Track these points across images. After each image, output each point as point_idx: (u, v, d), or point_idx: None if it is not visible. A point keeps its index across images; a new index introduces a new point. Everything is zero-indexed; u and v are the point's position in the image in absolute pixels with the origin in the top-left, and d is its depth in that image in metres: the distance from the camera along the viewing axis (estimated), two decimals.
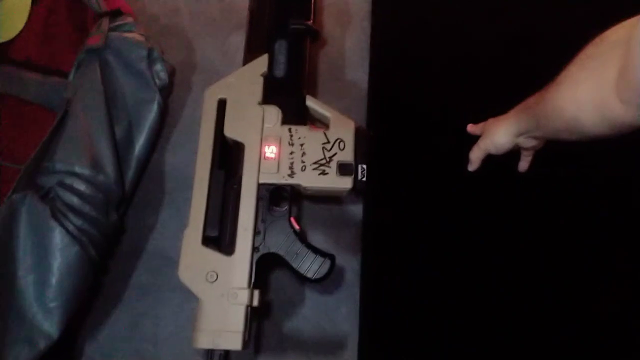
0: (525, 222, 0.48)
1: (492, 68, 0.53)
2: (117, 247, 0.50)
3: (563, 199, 0.49)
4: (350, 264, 0.48)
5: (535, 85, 0.49)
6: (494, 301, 0.46)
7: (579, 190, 0.49)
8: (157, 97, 0.53)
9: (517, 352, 0.45)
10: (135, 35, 0.54)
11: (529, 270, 0.46)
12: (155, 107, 0.53)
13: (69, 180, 0.45)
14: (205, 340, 0.42)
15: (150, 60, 0.53)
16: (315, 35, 0.53)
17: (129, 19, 0.55)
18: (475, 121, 0.48)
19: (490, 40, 0.54)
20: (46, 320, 0.43)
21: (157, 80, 0.53)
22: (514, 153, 0.47)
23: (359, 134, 0.47)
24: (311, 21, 0.52)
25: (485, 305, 0.45)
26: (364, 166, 0.46)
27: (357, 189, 0.46)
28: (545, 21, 0.55)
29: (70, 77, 0.51)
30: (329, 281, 0.45)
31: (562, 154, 0.47)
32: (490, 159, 0.47)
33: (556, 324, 0.45)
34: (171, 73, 0.55)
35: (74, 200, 0.45)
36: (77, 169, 0.46)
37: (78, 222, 0.44)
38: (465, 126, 0.48)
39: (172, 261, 0.49)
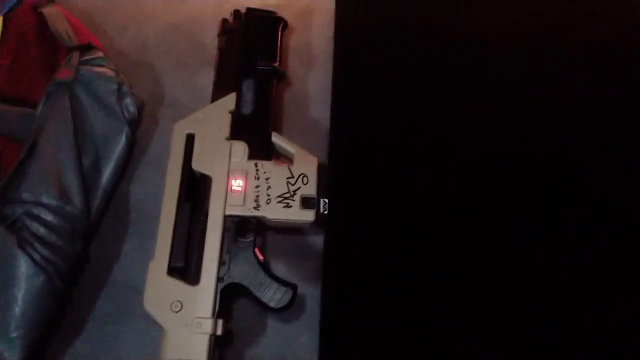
0: (494, 254, 0.50)
1: (449, 108, 0.56)
2: (81, 276, 0.50)
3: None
4: (311, 293, 0.50)
5: (502, 123, 0.55)
6: (458, 332, 0.48)
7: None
8: (126, 130, 0.54)
9: None
10: (105, 70, 0.55)
11: (498, 306, 0.49)
12: (123, 140, 0.54)
13: (36, 210, 0.46)
14: None
15: (120, 94, 0.55)
16: (281, 76, 0.56)
17: (99, 54, 0.57)
18: (433, 158, 0.52)
19: (448, 81, 0.58)
20: (7, 351, 0.42)
21: (126, 114, 0.55)
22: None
23: (321, 169, 0.50)
24: (277, 63, 0.55)
25: (446, 336, 0.47)
26: (326, 200, 0.49)
27: (319, 222, 0.48)
28: (518, 59, 0.59)
29: (39, 109, 0.52)
30: (291, 310, 0.47)
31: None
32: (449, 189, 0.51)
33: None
34: (140, 107, 0.56)
35: (41, 229, 0.46)
36: (45, 199, 0.47)
37: (44, 251, 0.45)
38: (423, 163, 0.52)
39: (135, 291, 0.50)
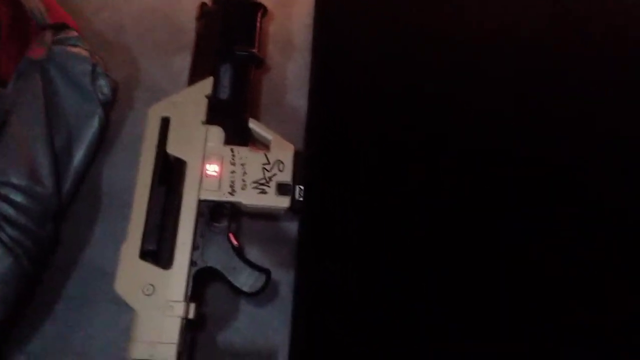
0: (483, 249, 0.51)
1: (429, 97, 0.57)
2: (51, 258, 0.50)
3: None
4: (284, 278, 0.51)
5: (478, 113, 0.55)
6: (423, 319, 0.48)
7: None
8: (99, 112, 0.53)
9: None
10: (79, 50, 0.54)
11: (464, 291, 0.49)
12: (96, 122, 0.53)
13: (4, 191, 0.45)
14: (140, 351, 0.42)
15: (94, 75, 0.54)
16: (259, 62, 0.56)
17: (74, 33, 0.56)
18: (410, 147, 0.53)
19: (429, 70, 0.58)
20: None
21: (100, 95, 0.54)
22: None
23: (297, 156, 0.50)
24: (256, 49, 0.55)
25: (414, 323, 0.48)
26: (301, 187, 0.49)
27: (294, 208, 0.49)
28: (492, 48, 0.60)
29: (9, 87, 0.51)
30: (264, 295, 0.47)
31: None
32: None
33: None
34: (114, 89, 0.56)
35: (10, 211, 0.45)
36: (14, 180, 0.46)
37: (13, 233, 0.44)
38: (399, 151, 0.53)
39: (106, 274, 0.49)
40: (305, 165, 0.50)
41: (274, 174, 0.49)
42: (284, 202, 0.48)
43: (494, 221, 0.52)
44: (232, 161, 0.49)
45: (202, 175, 0.48)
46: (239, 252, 0.47)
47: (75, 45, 0.55)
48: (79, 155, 0.52)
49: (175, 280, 0.45)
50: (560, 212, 0.52)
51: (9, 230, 0.44)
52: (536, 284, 0.50)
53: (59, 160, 0.50)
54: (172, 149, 0.49)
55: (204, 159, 0.49)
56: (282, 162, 0.49)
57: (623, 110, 0.58)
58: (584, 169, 0.55)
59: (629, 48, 0.61)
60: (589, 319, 0.49)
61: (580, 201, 0.53)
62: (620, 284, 0.51)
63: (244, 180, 0.48)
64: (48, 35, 0.54)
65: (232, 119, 0.51)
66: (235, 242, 0.47)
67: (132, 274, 0.45)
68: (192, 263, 0.46)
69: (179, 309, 0.44)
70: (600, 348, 0.48)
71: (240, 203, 0.48)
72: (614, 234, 0.52)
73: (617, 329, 0.49)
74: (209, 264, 0.46)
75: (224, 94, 0.52)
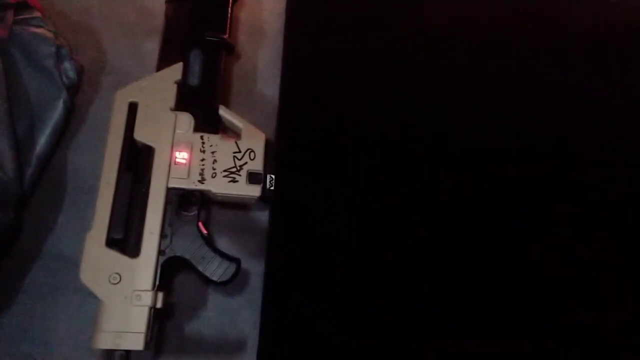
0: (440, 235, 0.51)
1: (403, 86, 0.57)
2: (13, 247, 0.48)
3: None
4: (254, 268, 0.50)
5: (452, 96, 0.55)
6: (394, 307, 0.49)
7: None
8: (64, 96, 0.51)
9: None
10: (43, 31, 0.52)
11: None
12: (60, 105, 0.51)
13: None
14: (106, 341, 0.42)
15: (59, 57, 0.52)
16: (230, 49, 0.55)
17: (37, 13, 0.53)
18: (382, 135, 0.53)
19: (403, 58, 0.58)
20: None
21: (64, 79, 0.52)
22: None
23: (268, 145, 0.50)
24: (227, 35, 0.54)
25: (381, 310, 0.49)
26: (272, 176, 0.49)
27: (265, 197, 0.48)
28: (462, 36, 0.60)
29: None
30: (233, 285, 0.47)
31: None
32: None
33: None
34: (80, 72, 0.54)
35: None
36: None
37: None
38: (371, 141, 0.53)
39: (70, 263, 0.48)
40: (276, 154, 0.50)
41: (245, 163, 0.49)
42: (254, 191, 0.48)
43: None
44: (202, 149, 0.48)
45: (171, 162, 0.47)
46: (209, 241, 0.47)
47: (38, 26, 0.53)
48: (42, 140, 0.50)
49: (143, 269, 0.44)
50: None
51: None
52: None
53: (21, 146, 0.48)
54: (140, 135, 0.48)
55: (173, 146, 0.48)
56: (253, 151, 0.49)
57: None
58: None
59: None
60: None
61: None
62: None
63: (214, 169, 0.48)
64: (9, 15, 0.52)
65: (202, 106, 0.50)
66: (204, 231, 0.47)
67: (98, 262, 0.44)
68: (160, 252, 0.45)
69: (147, 298, 0.43)
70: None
71: (210, 191, 0.47)
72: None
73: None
74: (177, 253, 0.45)
75: (194, 80, 0.51)
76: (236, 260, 0.46)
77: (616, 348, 0.50)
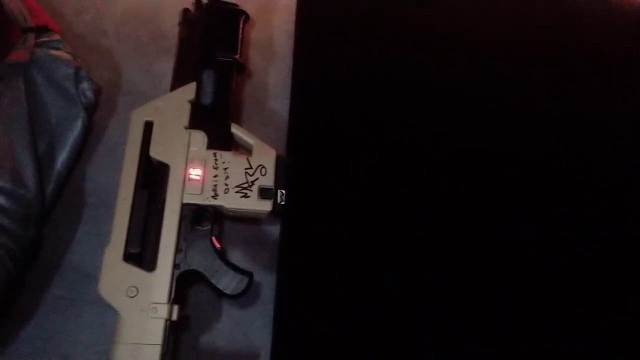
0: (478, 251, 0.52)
1: (411, 102, 0.59)
2: (34, 261, 0.50)
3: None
4: (266, 281, 0.52)
5: (473, 117, 0.57)
6: (407, 320, 0.49)
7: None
8: (82, 115, 0.54)
9: None
10: (62, 53, 0.55)
11: (449, 295, 0.50)
12: (79, 125, 0.53)
13: None
14: (123, 354, 0.43)
15: (77, 78, 0.54)
16: (241, 68, 0.57)
17: (56, 36, 0.56)
18: (391, 152, 0.54)
19: (411, 74, 0.60)
20: None
21: (82, 99, 0.54)
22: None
23: (279, 161, 0.51)
24: (238, 55, 0.56)
25: (392, 324, 0.49)
26: (283, 191, 0.50)
27: (276, 212, 0.50)
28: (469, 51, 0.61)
29: None
30: (246, 298, 0.48)
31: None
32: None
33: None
34: (97, 92, 0.56)
35: None
36: None
37: None
38: (380, 157, 0.54)
39: (88, 277, 0.50)
40: (286, 169, 0.51)
41: (256, 178, 0.50)
42: (266, 205, 0.49)
43: (493, 221, 0.53)
44: (215, 165, 0.50)
45: (185, 179, 0.49)
46: (222, 255, 0.48)
47: (57, 49, 0.55)
48: (61, 158, 0.52)
49: (159, 282, 0.45)
50: (560, 212, 0.54)
51: None
52: (536, 284, 0.51)
53: (42, 164, 0.50)
54: (155, 153, 0.50)
55: (187, 163, 0.49)
56: (264, 167, 0.51)
57: (623, 109, 0.60)
58: (584, 169, 0.56)
59: (630, 49, 0.64)
60: (589, 319, 0.50)
61: (580, 201, 0.55)
62: (620, 284, 0.52)
63: (226, 184, 0.49)
64: (30, 38, 0.54)
65: (215, 123, 0.52)
66: (217, 245, 0.48)
67: (115, 276, 0.45)
68: (175, 266, 0.46)
69: (163, 311, 0.44)
70: (600, 348, 0.50)
71: (222, 207, 0.49)
72: (615, 233, 0.54)
73: (617, 329, 0.50)
74: (192, 267, 0.47)
75: (207, 99, 0.53)
76: (248, 274, 0.47)
77: (616, 348, 0.50)
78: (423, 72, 0.60)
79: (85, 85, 0.54)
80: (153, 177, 0.50)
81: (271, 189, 0.50)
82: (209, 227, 0.48)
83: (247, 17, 0.59)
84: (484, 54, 0.62)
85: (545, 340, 0.49)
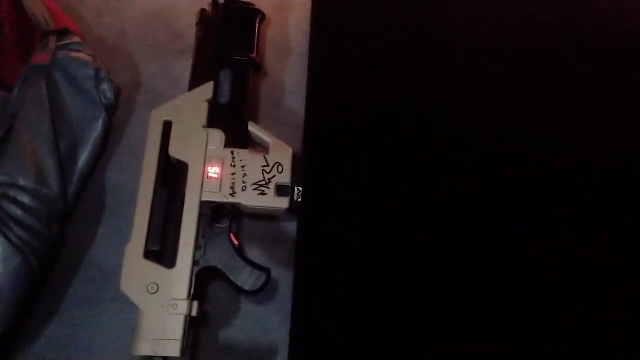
0: (484, 249, 0.52)
1: (421, 100, 0.58)
2: (56, 259, 0.51)
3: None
4: (284, 277, 0.52)
5: (489, 117, 0.57)
6: (422, 319, 0.50)
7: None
8: (103, 115, 0.55)
9: None
10: (82, 55, 0.56)
11: (462, 292, 0.50)
12: (100, 125, 0.55)
13: (13, 193, 0.46)
14: (145, 348, 0.44)
15: (98, 79, 0.55)
16: (257, 67, 0.57)
17: (77, 39, 0.57)
18: (407, 150, 0.54)
19: (426, 73, 0.60)
20: None
21: (103, 99, 0.55)
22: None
23: (296, 158, 0.52)
24: (254, 54, 0.56)
25: (413, 322, 0.49)
26: (300, 188, 0.50)
27: (293, 209, 0.50)
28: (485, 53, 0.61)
29: (15, 92, 0.52)
30: (264, 294, 0.49)
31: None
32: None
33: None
34: (117, 93, 0.57)
35: (18, 212, 0.46)
36: (21, 182, 0.47)
37: (21, 233, 0.45)
38: (397, 155, 0.54)
39: (110, 274, 0.51)
40: (303, 167, 0.52)
41: (273, 176, 0.51)
42: (283, 203, 0.50)
43: (494, 221, 0.53)
44: (233, 163, 0.50)
45: (204, 177, 0.50)
46: (240, 251, 0.49)
47: (78, 51, 0.56)
48: (83, 158, 0.53)
49: (179, 279, 0.46)
50: (560, 212, 0.54)
51: (17, 230, 0.45)
52: (536, 284, 0.51)
53: (64, 163, 0.51)
54: (175, 152, 0.50)
55: (206, 161, 0.50)
56: (281, 164, 0.51)
57: (624, 109, 0.59)
58: (584, 169, 0.56)
59: (630, 49, 0.63)
60: (589, 319, 0.50)
61: (580, 201, 0.54)
62: (620, 284, 0.52)
63: (244, 182, 0.50)
64: (52, 41, 0.55)
65: (232, 122, 0.53)
66: (236, 242, 0.49)
67: (136, 273, 0.46)
68: (195, 262, 0.47)
69: (183, 307, 0.45)
70: (601, 348, 0.49)
71: (240, 204, 0.49)
72: (616, 233, 0.53)
73: (617, 329, 0.50)
74: (211, 264, 0.47)
75: (224, 98, 0.54)
76: (266, 270, 0.48)
77: (616, 348, 0.49)
78: (440, 70, 0.60)
79: (105, 86, 0.55)
80: (172, 175, 0.51)
81: (288, 187, 0.50)
82: (228, 224, 0.49)
83: (263, 16, 0.60)
84: (502, 52, 0.61)
85: (545, 340, 0.49)
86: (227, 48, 0.56)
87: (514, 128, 0.58)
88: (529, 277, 0.51)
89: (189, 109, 0.52)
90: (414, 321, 0.49)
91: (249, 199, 0.49)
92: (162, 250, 0.48)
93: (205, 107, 0.53)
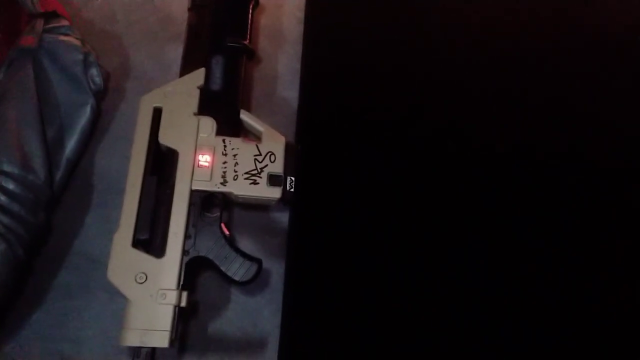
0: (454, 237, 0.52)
1: (421, 89, 0.58)
2: (43, 247, 0.50)
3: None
4: (275, 268, 0.51)
5: (487, 111, 0.56)
6: (412, 310, 0.49)
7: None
8: (91, 101, 0.53)
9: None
10: (71, 39, 0.54)
11: (454, 282, 0.50)
12: (88, 111, 0.53)
13: None
14: (133, 339, 0.43)
15: (86, 64, 0.54)
16: (250, 54, 0.56)
17: (65, 22, 0.56)
18: (401, 139, 0.54)
19: (421, 61, 0.59)
20: None
21: (91, 85, 0.54)
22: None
23: (288, 148, 0.51)
24: (247, 41, 0.55)
25: (402, 313, 0.49)
26: (292, 178, 0.50)
27: (285, 199, 0.49)
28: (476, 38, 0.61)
29: (0, 76, 0.51)
30: (254, 284, 0.48)
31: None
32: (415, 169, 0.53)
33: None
34: (106, 78, 0.56)
35: (2, 198, 0.45)
36: (6, 168, 0.46)
37: (5, 220, 0.44)
38: (389, 144, 0.54)
39: (98, 263, 0.50)
40: (296, 156, 0.51)
41: (266, 165, 0.50)
42: (275, 192, 0.49)
43: (495, 221, 0.53)
44: (224, 152, 0.49)
45: (194, 165, 0.49)
46: (231, 241, 0.48)
47: (66, 34, 0.55)
48: (71, 144, 0.52)
49: (168, 268, 0.45)
50: (561, 212, 0.53)
51: (1, 217, 0.44)
52: (536, 284, 0.51)
53: (51, 149, 0.50)
54: (164, 139, 0.49)
55: (196, 149, 0.49)
56: (273, 154, 0.50)
57: (630, 111, 0.59)
58: (583, 169, 0.56)
59: (631, 49, 0.63)
60: (589, 318, 0.50)
61: (580, 201, 0.54)
62: (620, 284, 0.52)
63: (235, 171, 0.49)
64: (39, 24, 0.54)
65: (224, 110, 0.52)
66: (226, 232, 0.48)
67: (124, 262, 0.45)
68: (185, 252, 0.46)
69: (172, 297, 0.44)
70: (600, 348, 0.49)
71: (231, 193, 0.49)
72: (614, 234, 0.53)
73: (617, 329, 0.50)
74: (201, 253, 0.47)
75: (216, 85, 0.53)
76: (257, 261, 0.47)
77: (616, 348, 0.50)
78: (434, 59, 0.60)
79: (94, 71, 0.54)
80: (162, 163, 0.50)
81: (280, 176, 0.49)
82: (218, 213, 0.48)
83: (257, 3, 0.58)
84: (500, 48, 0.61)
85: (545, 340, 0.49)
86: (219, 34, 0.54)
87: (507, 124, 0.57)
88: (528, 277, 0.51)
89: (180, 95, 0.51)
90: (406, 313, 0.49)
91: (241, 188, 0.49)
92: (151, 239, 0.47)
93: (196, 93, 0.51)
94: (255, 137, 0.52)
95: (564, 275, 0.51)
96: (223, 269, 0.46)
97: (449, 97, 0.58)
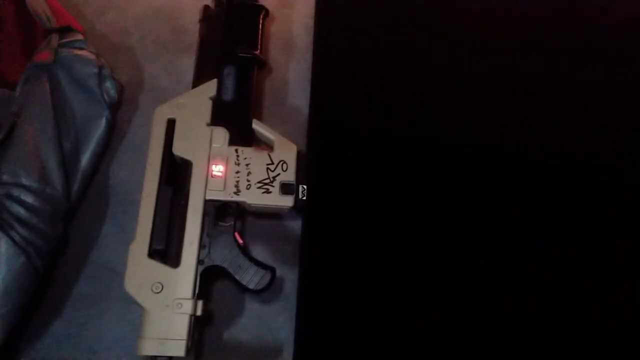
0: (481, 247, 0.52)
1: (431, 97, 0.58)
2: (60, 258, 0.51)
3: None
4: (288, 276, 0.52)
5: (489, 115, 0.56)
6: (425, 317, 0.49)
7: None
8: (106, 114, 0.54)
9: None
10: (85, 53, 0.55)
11: (463, 292, 0.50)
12: (103, 123, 0.54)
13: (16, 192, 0.46)
14: (150, 348, 0.44)
15: (100, 77, 0.55)
16: (261, 64, 0.57)
17: (79, 36, 0.57)
18: (411, 147, 0.54)
19: (430, 69, 0.59)
20: None
21: (106, 97, 0.55)
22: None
23: (300, 156, 0.51)
24: (258, 51, 0.56)
25: (416, 320, 0.49)
26: (304, 186, 0.50)
27: (298, 207, 0.50)
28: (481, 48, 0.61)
29: (18, 90, 0.52)
30: (268, 292, 0.49)
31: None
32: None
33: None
34: (120, 91, 0.57)
35: (21, 211, 0.46)
36: (25, 181, 0.47)
37: (25, 233, 0.45)
38: (401, 152, 0.54)
39: (114, 273, 0.51)
40: (307, 164, 0.51)
41: (278, 174, 0.50)
42: (287, 201, 0.49)
43: (496, 221, 0.53)
44: (237, 161, 0.50)
45: (208, 175, 0.49)
46: (245, 250, 0.48)
47: (81, 48, 0.56)
48: (86, 156, 0.53)
49: (183, 278, 0.46)
50: (560, 212, 0.53)
51: (20, 230, 0.45)
52: (538, 284, 0.50)
53: (67, 162, 0.51)
54: (178, 150, 0.50)
55: (210, 159, 0.50)
56: (285, 162, 0.51)
57: (629, 109, 0.59)
58: (584, 169, 0.55)
59: (631, 49, 0.62)
60: (589, 319, 0.50)
61: (580, 201, 0.54)
62: (620, 284, 0.51)
63: (248, 180, 0.50)
64: (54, 39, 0.55)
65: (236, 120, 0.52)
66: (240, 241, 0.48)
67: (140, 272, 0.46)
68: (200, 261, 0.47)
69: (187, 306, 0.45)
70: (601, 348, 0.49)
71: (245, 202, 0.49)
72: (614, 234, 0.53)
73: (617, 329, 0.50)
74: (215, 262, 0.47)
75: (228, 95, 0.53)
76: (271, 269, 0.47)
77: (616, 348, 0.49)
78: (444, 67, 0.60)
79: (108, 84, 0.55)
80: (176, 174, 0.50)
81: (293, 185, 0.50)
82: (232, 222, 0.48)
83: (267, 13, 0.59)
84: (509, 50, 0.61)
85: (545, 341, 0.49)
86: (230, 45, 0.55)
87: (518, 125, 0.57)
88: (528, 277, 0.51)
89: (193, 106, 0.52)
90: (419, 320, 0.49)
91: (254, 197, 0.49)
92: (166, 249, 0.48)
93: (209, 104, 0.52)
94: (268, 146, 0.53)
95: (564, 275, 0.51)
96: (237, 277, 0.47)
97: (465, 105, 0.58)
